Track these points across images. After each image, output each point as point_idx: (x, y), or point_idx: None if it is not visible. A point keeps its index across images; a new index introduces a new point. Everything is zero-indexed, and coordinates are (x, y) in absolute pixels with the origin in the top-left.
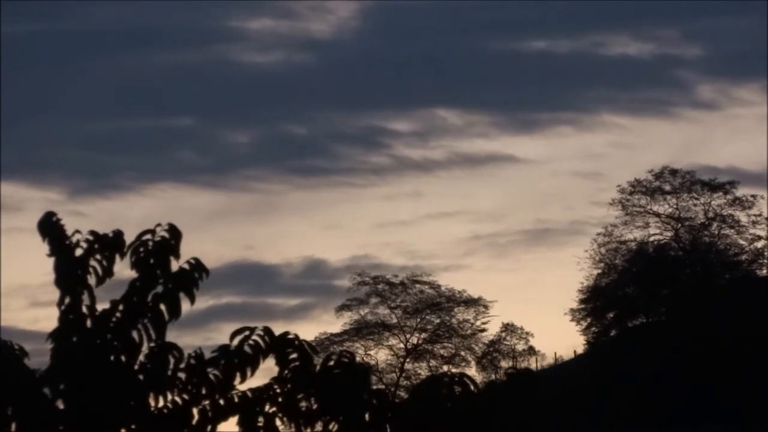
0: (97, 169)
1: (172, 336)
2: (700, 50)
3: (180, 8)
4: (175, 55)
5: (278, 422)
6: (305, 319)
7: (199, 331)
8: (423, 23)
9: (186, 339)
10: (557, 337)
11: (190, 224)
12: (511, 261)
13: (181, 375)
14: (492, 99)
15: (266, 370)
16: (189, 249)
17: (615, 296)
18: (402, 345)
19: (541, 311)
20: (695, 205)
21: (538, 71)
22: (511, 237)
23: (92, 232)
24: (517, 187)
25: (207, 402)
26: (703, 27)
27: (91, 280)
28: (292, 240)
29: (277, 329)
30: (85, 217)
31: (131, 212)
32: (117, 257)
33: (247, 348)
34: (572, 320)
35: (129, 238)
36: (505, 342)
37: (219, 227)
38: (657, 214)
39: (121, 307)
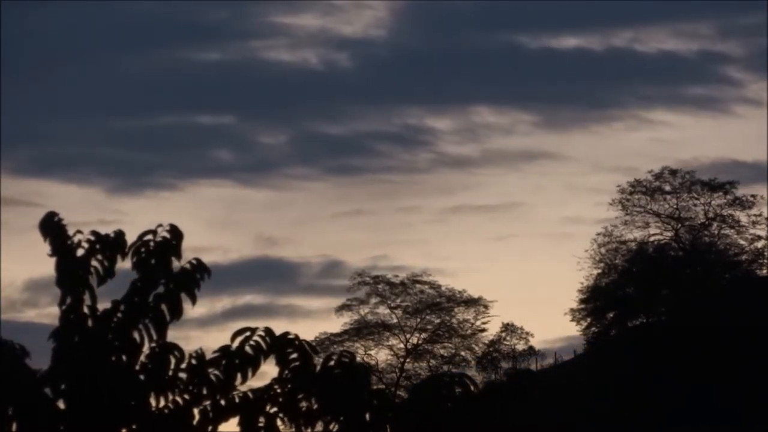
0: (135, 167)
1: (190, 335)
2: (739, 47)
3: (217, 6)
4: (213, 53)
5: (279, 422)
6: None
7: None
8: (459, 21)
9: (208, 339)
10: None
11: (225, 221)
12: (526, 261)
13: (182, 375)
14: (529, 96)
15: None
16: (216, 245)
17: (615, 296)
18: (402, 345)
19: (544, 311)
20: (695, 205)
21: (575, 68)
22: (532, 238)
23: (93, 232)
24: (550, 185)
25: (208, 402)
26: (741, 23)
27: (93, 280)
28: (319, 239)
29: (297, 329)
30: (123, 215)
31: (168, 210)
32: (118, 257)
33: (248, 348)
34: (572, 320)
35: None
36: (505, 342)
37: (254, 225)
38: (657, 214)
39: (122, 308)
